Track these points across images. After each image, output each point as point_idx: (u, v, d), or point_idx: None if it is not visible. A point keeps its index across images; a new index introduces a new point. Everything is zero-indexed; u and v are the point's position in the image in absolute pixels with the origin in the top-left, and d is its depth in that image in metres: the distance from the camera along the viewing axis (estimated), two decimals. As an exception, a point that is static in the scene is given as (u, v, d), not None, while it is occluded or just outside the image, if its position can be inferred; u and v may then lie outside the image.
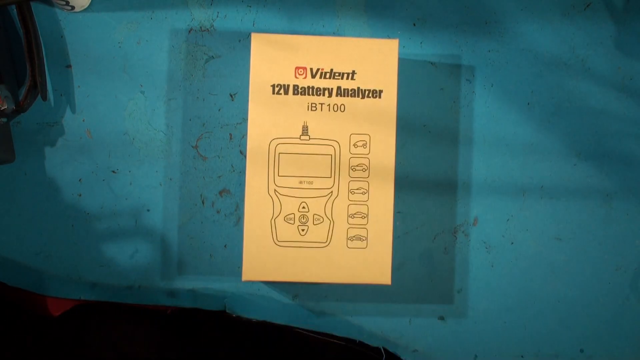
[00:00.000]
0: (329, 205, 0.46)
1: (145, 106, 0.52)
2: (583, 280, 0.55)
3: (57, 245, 0.52)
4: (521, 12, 0.53)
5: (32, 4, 0.49)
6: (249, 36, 0.52)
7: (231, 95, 0.52)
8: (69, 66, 0.51)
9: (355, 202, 0.46)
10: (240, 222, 0.52)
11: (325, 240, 0.47)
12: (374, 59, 0.46)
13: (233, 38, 0.52)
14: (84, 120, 0.51)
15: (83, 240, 0.52)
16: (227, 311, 0.54)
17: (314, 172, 0.46)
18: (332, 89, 0.46)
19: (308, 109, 0.46)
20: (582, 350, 0.55)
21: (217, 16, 0.52)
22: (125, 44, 0.51)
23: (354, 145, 0.46)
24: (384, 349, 0.53)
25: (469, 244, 0.54)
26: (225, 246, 0.53)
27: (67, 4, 0.49)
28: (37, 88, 0.48)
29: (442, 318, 0.55)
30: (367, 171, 0.46)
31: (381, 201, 0.46)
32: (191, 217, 0.52)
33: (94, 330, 0.52)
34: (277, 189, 0.46)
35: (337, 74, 0.46)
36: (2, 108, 0.45)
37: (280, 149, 0.46)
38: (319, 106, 0.46)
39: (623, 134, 0.54)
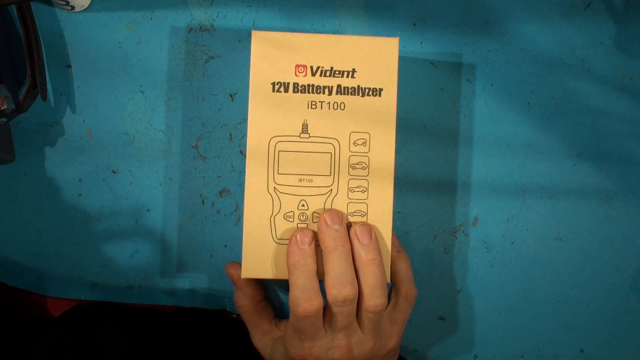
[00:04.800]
0: (328, 203, 0.46)
1: (145, 106, 0.52)
2: (583, 280, 0.55)
3: (57, 245, 0.52)
4: (521, 12, 0.53)
5: (32, 4, 0.49)
6: (249, 36, 0.52)
7: (231, 95, 0.52)
8: (69, 66, 0.51)
9: (355, 201, 0.46)
10: (240, 221, 0.52)
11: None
12: (375, 57, 0.46)
13: (233, 38, 0.52)
14: (84, 120, 0.51)
15: (83, 240, 0.52)
16: (227, 310, 0.54)
17: (313, 170, 0.46)
18: (332, 87, 0.46)
19: (308, 107, 0.46)
20: (582, 350, 0.55)
21: (217, 16, 0.52)
22: (125, 44, 0.51)
23: (353, 143, 0.46)
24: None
25: (469, 244, 0.54)
26: (225, 246, 0.53)
27: (67, 4, 0.49)
28: (37, 88, 0.48)
29: (442, 318, 0.55)
30: (367, 169, 0.46)
31: (380, 199, 0.46)
32: (191, 217, 0.52)
33: (94, 330, 0.52)
34: (276, 186, 0.46)
35: (337, 72, 0.46)
36: (2, 108, 0.45)
37: (280, 146, 0.46)
38: (318, 104, 0.46)
39: (623, 134, 0.54)
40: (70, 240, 0.52)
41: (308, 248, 0.44)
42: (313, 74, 0.46)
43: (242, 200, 0.51)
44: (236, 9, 0.52)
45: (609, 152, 0.54)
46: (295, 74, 0.46)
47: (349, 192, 0.46)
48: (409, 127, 0.53)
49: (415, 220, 0.54)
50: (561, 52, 0.54)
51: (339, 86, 0.46)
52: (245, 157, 0.48)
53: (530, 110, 0.54)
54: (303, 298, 0.43)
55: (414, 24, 0.53)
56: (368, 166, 0.46)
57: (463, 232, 0.54)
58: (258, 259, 0.46)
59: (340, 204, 0.46)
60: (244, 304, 0.49)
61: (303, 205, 0.46)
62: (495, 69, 0.54)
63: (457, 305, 0.55)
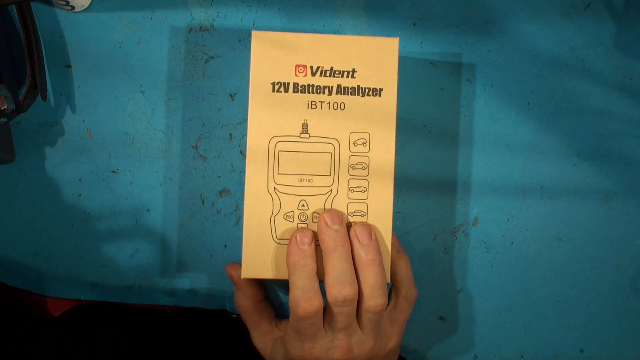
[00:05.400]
0: (328, 203, 0.46)
1: (145, 106, 0.52)
2: (583, 280, 0.55)
3: (57, 245, 0.52)
4: (521, 12, 0.53)
5: (32, 4, 0.49)
6: (249, 36, 0.52)
7: (231, 95, 0.52)
8: (69, 66, 0.51)
9: (355, 201, 0.46)
10: (240, 221, 0.52)
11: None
12: (375, 57, 0.46)
13: (233, 38, 0.52)
14: (84, 120, 0.51)
15: (83, 240, 0.52)
16: (227, 310, 0.54)
17: (313, 170, 0.46)
18: (332, 87, 0.46)
19: (308, 107, 0.46)
20: (582, 350, 0.55)
21: (217, 16, 0.52)
22: (125, 44, 0.51)
23: (353, 143, 0.46)
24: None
25: (469, 244, 0.54)
26: (225, 246, 0.53)
27: (67, 4, 0.49)
28: (37, 88, 0.48)
29: (442, 318, 0.55)
30: (367, 169, 0.46)
31: (380, 199, 0.46)
32: (191, 217, 0.52)
33: (94, 330, 0.52)
34: (276, 186, 0.46)
35: (337, 72, 0.46)
36: (2, 108, 0.45)
37: (280, 147, 0.46)
38: (318, 104, 0.46)
39: (623, 134, 0.54)
40: (70, 240, 0.52)
41: (308, 248, 0.44)
42: (313, 74, 0.46)
43: (242, 200, 0.51)
44: (236, 9, 0.52)
45: (609, 152, 0.54)
46: (295, 74, 0.46)
47: (349, 192, 0.46)
48: (409, 127, 0.53)
49: (415, 220, 0.54)
50: (561, 52, 0.54)
51: (339, 86, 0.46)
52: (245, 157, 0.48)
53: (530, 110, 0.54)
54: (303, 298, 0.43)
55: (414, 24, 0.53)
56: (368, 166, 0.46)
57: (463, 232, 0.54)
58: (258, 259, 0.46)
59: (340, 204, 0.46)
60: (244, 304, 0.49)
61: (303, 205, 0.46)
62: (495, 69, 0.54)
63: (457, 305, 0.55)
